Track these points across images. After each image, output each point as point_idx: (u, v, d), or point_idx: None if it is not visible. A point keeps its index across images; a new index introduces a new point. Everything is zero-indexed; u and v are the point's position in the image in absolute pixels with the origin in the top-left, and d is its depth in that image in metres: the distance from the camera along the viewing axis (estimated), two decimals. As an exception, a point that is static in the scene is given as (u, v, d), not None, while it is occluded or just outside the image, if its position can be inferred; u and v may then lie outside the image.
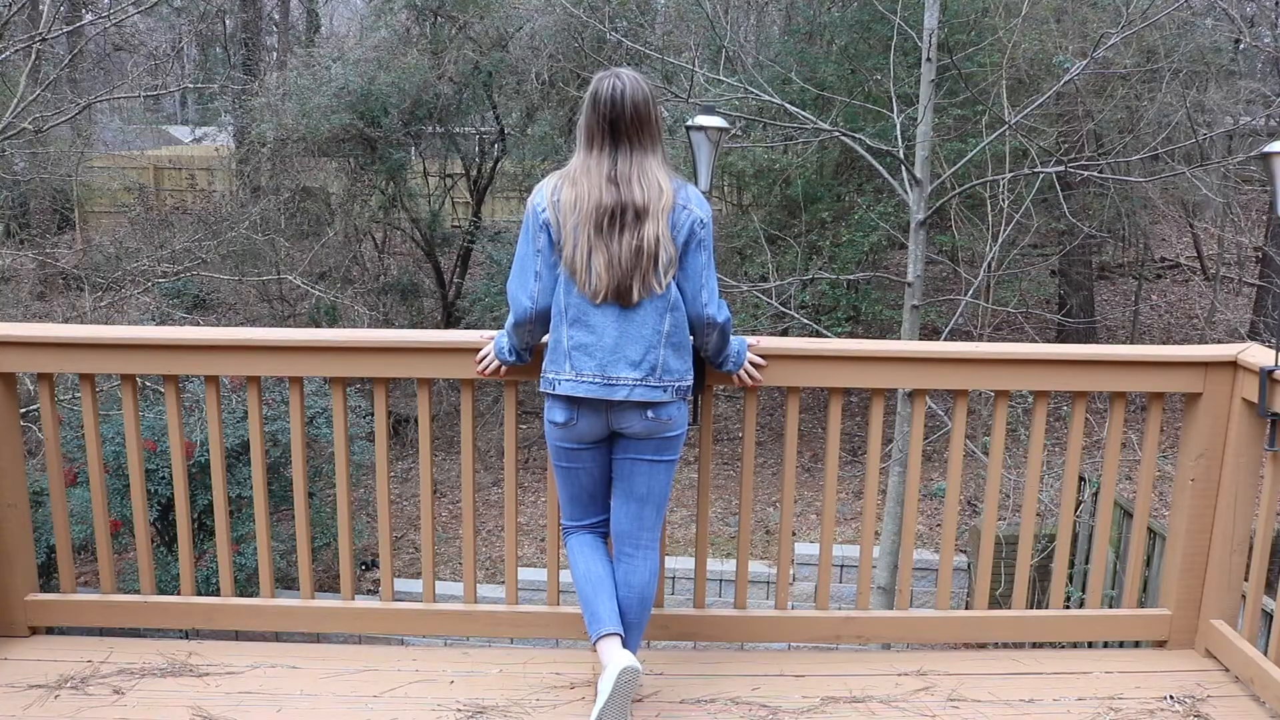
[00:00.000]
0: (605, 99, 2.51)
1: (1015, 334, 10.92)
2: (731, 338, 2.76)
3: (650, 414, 2.58)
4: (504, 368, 2.81)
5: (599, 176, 2.52)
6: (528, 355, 2.76)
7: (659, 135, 2.57)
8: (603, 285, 2.51)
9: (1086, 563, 7.33)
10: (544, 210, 2.56)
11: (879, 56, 9.36)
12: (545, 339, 2.67)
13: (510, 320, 2.68)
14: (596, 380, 2.55)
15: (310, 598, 3.12)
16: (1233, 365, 2.92)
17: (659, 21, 12.09)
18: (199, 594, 3.13)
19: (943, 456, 9.98)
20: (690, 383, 2.64)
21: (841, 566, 8.83)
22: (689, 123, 2.80)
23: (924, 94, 6.36)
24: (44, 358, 2.94)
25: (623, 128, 2.52)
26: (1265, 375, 2.78)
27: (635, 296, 2.52)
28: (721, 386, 2.93)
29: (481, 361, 2.83)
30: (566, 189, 2.54)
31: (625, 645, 2.61)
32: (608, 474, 2.74)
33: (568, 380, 2.57)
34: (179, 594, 3.10)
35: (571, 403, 2.60)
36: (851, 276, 9.36)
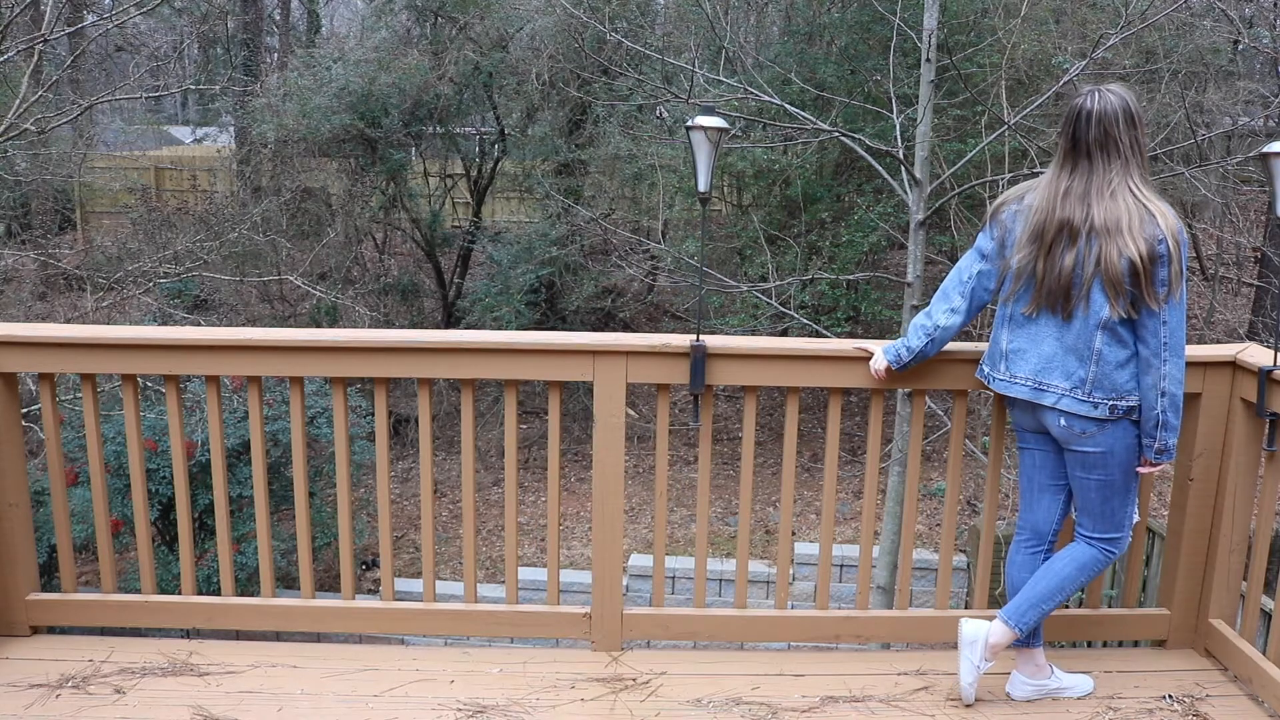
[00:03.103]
0: (1071, 115, 2.55)
1: (1015, 334, 10.90)
2: (1175, 423, 2.59)
3: (1063, 421, 2.63)
4: (891, 369, 2.86)
5: (1054, 191, 2.57)
6: (932, 349, 2.79)
7: (1132, 154, 2.52)
8: (1038, 297, 2.59)
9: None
10: (999, 216, 2.67)
11: (879, 57, 9.36)
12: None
13: (929, 310, 2.78)
14: (1027, 383, 2.67)
15: (311, 597, 3.12)
16: (1232, 365, 2.93)
17: (659, 22, 12.11)
18: (200, 593, 3.14)
19: (942, 456, 9.98)
20: (1135, 403, 2.59)
21: (841, 566, 8.84)
22: (688, 123, 2.79)
23: (923, 94, 6.36)
24: (45, 358, 2.95)
25: (1083, 145, 2.53)
26: (1264, 375, 2.79)
27: (1071, 312, 2.56)
28: (721, 386, 2.93)
29: (873, 366, 2.89)
30: (1027, 199, 2.63)
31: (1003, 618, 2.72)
32: (1054, 468, 2.78)
33: (1001, 380, 2.73)
34: (180, 593, 3.11)
35: (1006, 398, 2.79)
36: (851, 277, 9.36)
